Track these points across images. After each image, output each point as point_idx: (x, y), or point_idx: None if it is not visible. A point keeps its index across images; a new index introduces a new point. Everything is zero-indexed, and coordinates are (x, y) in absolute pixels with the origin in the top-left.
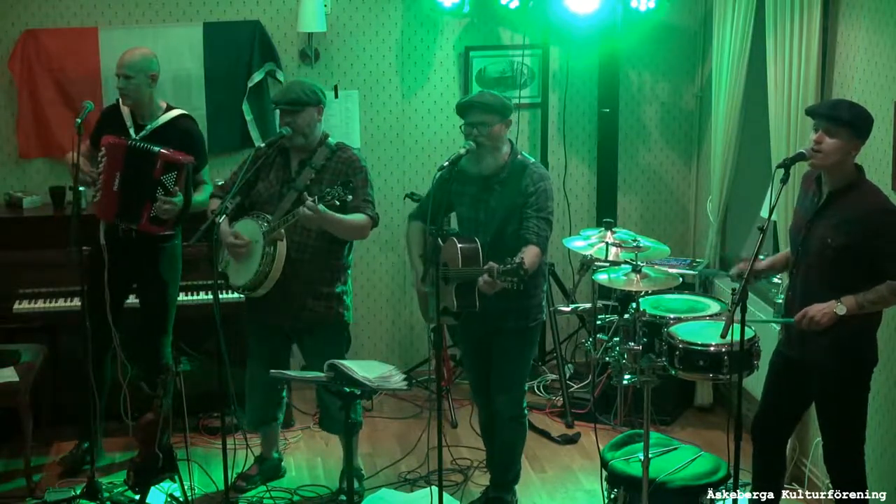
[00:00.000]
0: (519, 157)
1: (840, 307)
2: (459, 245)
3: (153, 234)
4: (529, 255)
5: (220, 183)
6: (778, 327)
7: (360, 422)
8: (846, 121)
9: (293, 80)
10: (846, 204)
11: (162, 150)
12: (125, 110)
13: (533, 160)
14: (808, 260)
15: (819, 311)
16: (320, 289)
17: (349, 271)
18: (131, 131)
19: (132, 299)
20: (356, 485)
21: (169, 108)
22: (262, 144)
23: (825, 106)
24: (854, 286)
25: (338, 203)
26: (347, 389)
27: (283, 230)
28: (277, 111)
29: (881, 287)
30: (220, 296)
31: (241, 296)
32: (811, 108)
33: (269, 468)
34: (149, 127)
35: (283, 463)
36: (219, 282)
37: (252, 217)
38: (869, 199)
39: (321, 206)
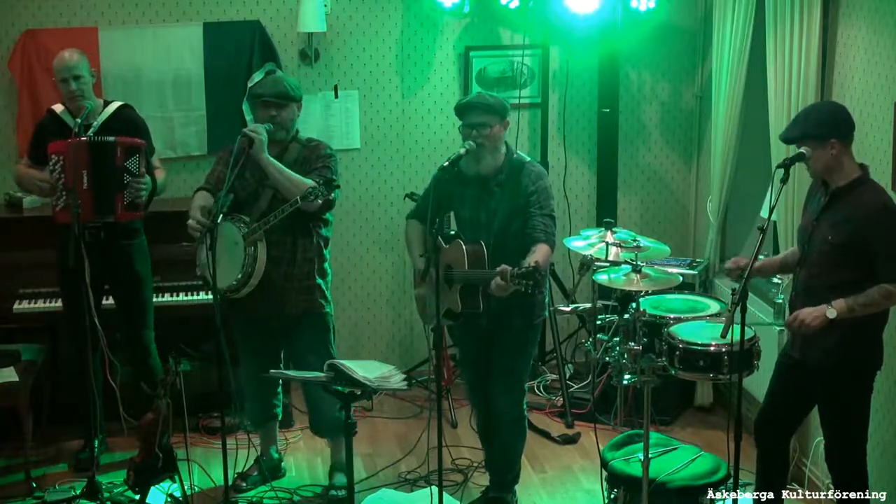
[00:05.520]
0: (515, 156)
1: (831, 310)
2: (465, 247)
3: (130, 219)
4: (541, 253)
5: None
6: (777, 329)
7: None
8: (798, 137)
9: (273, 75)
10: (848, 202)
11: (118, 138)
12: (64, 114)
13: (529, 159)
14: (811, 258)
15: (809, 314)
16: (301, 282)
17: (326, 265)
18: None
19: (107, 301)
20: (340, 481)
21: (107, 103)
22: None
23: (786, 129)
24: (854, 284)
25: (320, 202)
26: (347, 389)
27: (262, 231)
28: (251, 104)
29: (872, 290)
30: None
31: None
32: (783, 137)
33: (268, 468)
34: (95, 123)
35: (282, 463)
36: (198, 283)
37: (229, 220)
38: (868, 198)
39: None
